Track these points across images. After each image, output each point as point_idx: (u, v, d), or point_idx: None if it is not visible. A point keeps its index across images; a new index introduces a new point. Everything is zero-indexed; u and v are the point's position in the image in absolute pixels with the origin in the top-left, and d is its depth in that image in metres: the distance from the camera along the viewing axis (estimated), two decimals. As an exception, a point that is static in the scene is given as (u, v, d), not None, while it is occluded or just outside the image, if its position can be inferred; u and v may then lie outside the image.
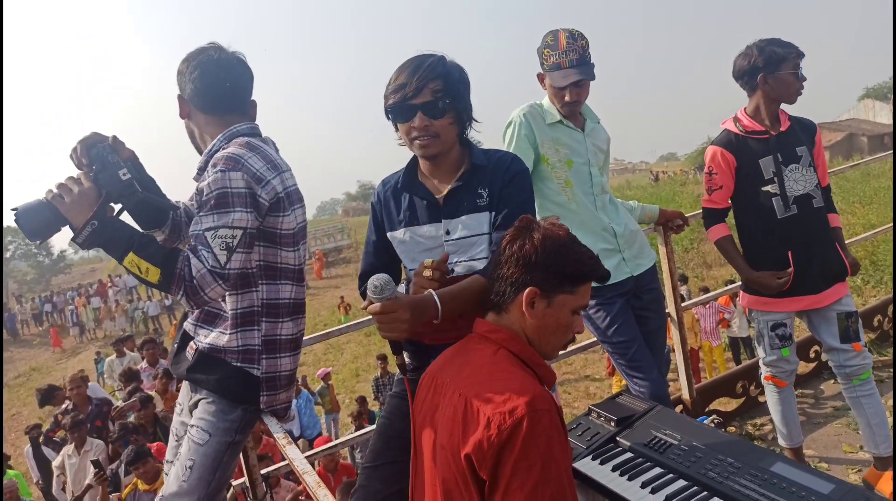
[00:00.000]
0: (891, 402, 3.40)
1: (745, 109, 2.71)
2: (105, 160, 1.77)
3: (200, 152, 1.91)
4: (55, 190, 1.73)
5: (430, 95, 1.67)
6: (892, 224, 4.39)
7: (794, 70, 2.59)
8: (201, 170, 1.84)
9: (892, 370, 3.79)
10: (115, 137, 1.82)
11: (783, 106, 2.68)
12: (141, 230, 1.81)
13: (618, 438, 1.93)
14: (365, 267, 1.92)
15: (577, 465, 1.83)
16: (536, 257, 1.38)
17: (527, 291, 1.38)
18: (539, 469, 1.20)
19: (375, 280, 1.45)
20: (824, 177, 2.73)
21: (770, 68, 2.59)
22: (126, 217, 1.85)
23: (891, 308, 4.25)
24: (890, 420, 3.19)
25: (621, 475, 1.78)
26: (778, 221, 2.62)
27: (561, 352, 1.63)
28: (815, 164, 2.67)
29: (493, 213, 1.75)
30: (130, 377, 7.27)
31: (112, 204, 1.79)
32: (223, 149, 1.78)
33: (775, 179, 2.60)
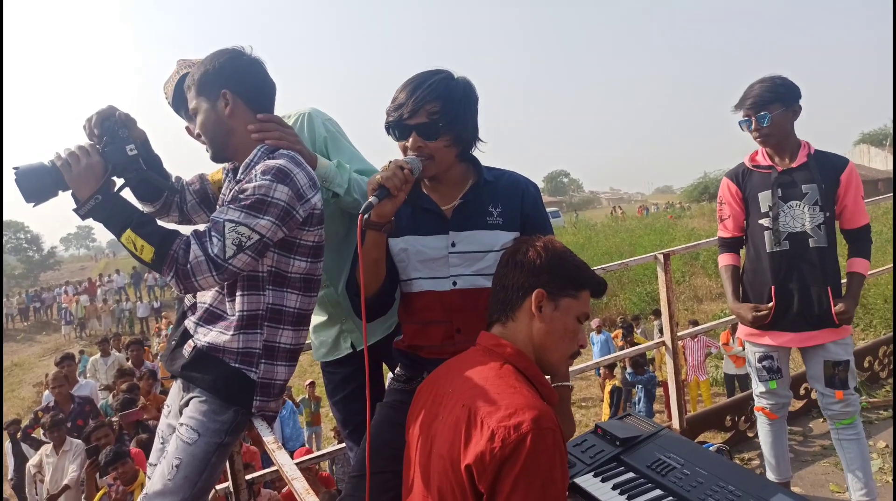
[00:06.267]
0: (880, 443, 3.40)
1: None
2: (115, 134, 1.78)
3: (222, 152, 1.87)
4: (63, 156, 1.72)
5: (425, 116, 1.67)
6: (890, 266, 4.42)
7: (743, 118, 2.62)
8: (240, 177, 1.82)
9: (882, 411, 3.79)
10: (126, 114, 1.83)
11: (812, 141, 2.64)
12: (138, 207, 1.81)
13: (621, 457, 1.92)
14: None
15: (578, 480, 1.81)
16: (541, 262, 1.45)
17: (534, 293, 1.43)
18: (539, 488, 1.19)
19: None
20: (853, 218, 2.65)
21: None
22: (125, 192, 1.84)
23: (883, 349, 4.28)
24: (879, 462, 3.19)
25: (621, 494, 1.76)
26: (767, 254, 2.63)
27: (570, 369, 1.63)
28: (833, 204, 2.59)
29: (519, 234, 1.75)
30: (125, 374, 7.26)
31: (114, 178, 1.79)
32: (270, 159, 1.77)
33: (770, 213, 2.61)
